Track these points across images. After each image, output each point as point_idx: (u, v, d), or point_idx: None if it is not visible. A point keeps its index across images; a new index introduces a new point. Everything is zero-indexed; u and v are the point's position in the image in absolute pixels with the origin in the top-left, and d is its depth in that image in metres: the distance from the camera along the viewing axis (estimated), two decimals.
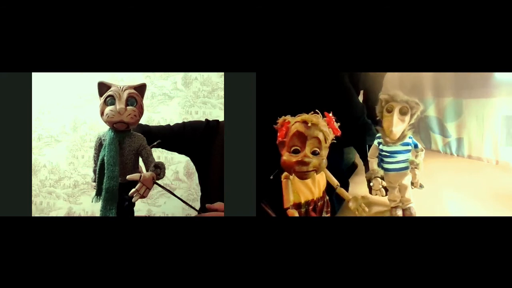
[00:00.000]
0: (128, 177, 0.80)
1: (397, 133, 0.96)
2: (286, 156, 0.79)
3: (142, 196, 0.80)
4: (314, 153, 0.78)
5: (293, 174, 0.80)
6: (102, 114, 0.83)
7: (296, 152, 0.78)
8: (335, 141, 0.81)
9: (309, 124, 0.77)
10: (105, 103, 0.82)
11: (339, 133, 0.82)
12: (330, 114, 0.81)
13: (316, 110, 0.80)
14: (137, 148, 0.85)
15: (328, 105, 0.82)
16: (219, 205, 0.89)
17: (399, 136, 0.97)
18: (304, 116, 0.79)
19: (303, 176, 0.80)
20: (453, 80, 1.58)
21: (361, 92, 1.36)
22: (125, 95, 0.82)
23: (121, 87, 0.83)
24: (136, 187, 0.79)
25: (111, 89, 0.83)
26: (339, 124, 0.82)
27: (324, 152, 0.79)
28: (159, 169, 0.83)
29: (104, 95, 0.83)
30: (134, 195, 0.79)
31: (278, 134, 0.80)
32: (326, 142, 0.79)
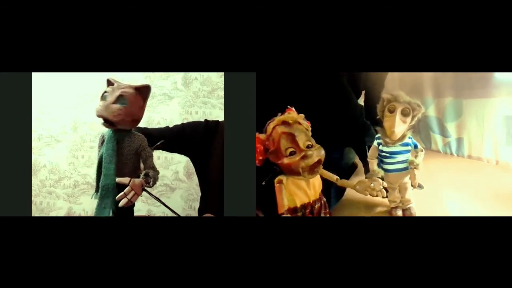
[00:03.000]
0: (117, 179, 0.81)
1: (398, 134, 0.96)
2: (287, 160, 0.78)
3: (130, 201, 0.80)
4: (308, 147, 0.78)
5: (304, 173, 0.80)
6: None
7: (293, 153, 0.78)
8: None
9: (291, 122, 0.79)
10: (101, 98, 0.84)
11: (309, 123, 0.84)
12: (293, 108, 0.83)
13: (287, 106, 0.82)
14: (136, 148, 0.86)
15: (327, 105, 0.83)
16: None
17: (399, 137, 0.97)
18: (280, 117, 0.80)
19: (312, 171, 0.79)
20: (453, 80, 1.58)
21: (363, 92, 1.36)
22: (118, 92, 0.82)
23: (120, 85, 0.84)
24: (125, 190, 0.80)
25: (113, 85, 0.84)
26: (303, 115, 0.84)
27: (313, 141, 0.81)
28: (148, 178, 0.83)
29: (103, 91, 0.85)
30: (121, 199, 0.79)
31: (258, 152, 0.81)
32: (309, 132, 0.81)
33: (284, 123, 0.80)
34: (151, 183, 0.84)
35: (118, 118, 0.81)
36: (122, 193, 0.80)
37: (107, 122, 0.82)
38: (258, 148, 0.80)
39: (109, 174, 0.81)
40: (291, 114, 0.81)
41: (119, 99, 0.82)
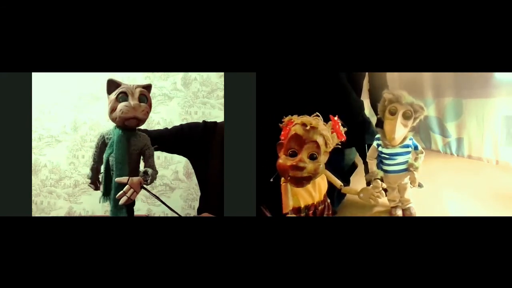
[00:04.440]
0: (116, 179, 0.81)
1: (399, 139, 0.94)
2: (282, 159, 0.76)
3: (129, 199, 0.80)
4: (311, 157, 0.75)
5: (289, 180, 0.77)
6: (113, 110, 0.82)
7: (293, 155, 0.75)
8: (339, 146, 0.79)
9: (308, 127, 0.75)
10: (117, 100, 0.82)
11: (343, 138, 0.79)
12: (336, 118, 0.79)
13: (317, 113, 0.78)
14: (141, 148, 0.86)
15: (327, 104, 0.82)
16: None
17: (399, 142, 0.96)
18: (304, 118, 0.76)
19: (298, 183, 0.76)
20: (453, 80, 1.58)
21: (366, 74, 1.33)
22: (137, 92, 0.83)
23: (132, 85, 0.84)
24: (124, 189, 0.80)
25: (123, 86, 0.83)
26: (345, 129, 0.79)
27: (323, 157, 0.76)
28: (147, 176, 0.84)
29: (115, 92, 0.82)
30: (121, 197, 0.80)
31: (282, 133, 0.79)
32: (326, 147, 0.76)
33: (303, 124, 0.75)
34: (148, 181, 0.84)
35: (146, 116, 0.83)
36: (121, 191, 0.80)
37: (131, 122, 0.82)
38: (288, 129, 0.77)
39: (123, 175, 0.81)
40: (316, 120, 0.76)
41: (141, 98, 0.83)
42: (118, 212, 0.82)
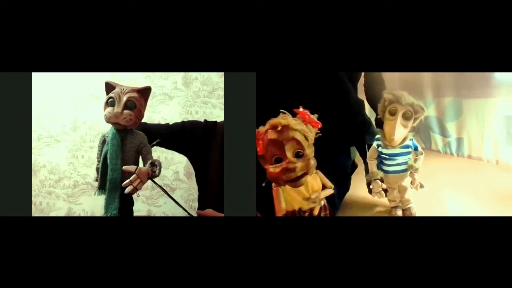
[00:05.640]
0: (124, 167, 0.82)
1: (398, 140, 0.94)
2: (271, 169, 0.74)
3: (135, 189, 0.81)
4: (297, 155, 0.73)
5: (286, 185, 0.75)
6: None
7: (278, 160, 0.73)
8: (320, 134, 0.77)
9: (279, 128, 0.72)
10: (107, 104, 0.86)
11: (319, 125, 0.76)
12: (301, 109, 0.76)
13: (283, 110, 0.75)
14: (137, 145, 0.87)
15: (327, 103, 0.82)
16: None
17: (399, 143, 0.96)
18: (272, 121, 0.74)
19: (295, 183, 0.74)
20: (453, 80, 1.58)
21: (362, 74, 1.32)
22: (124, 98, 0.84)
23: (124, 90, 0.85)
24: (131, 178, 0.80)
25: (113, 91, 0.86)
26: (316, 115, 0.77)
27: (309, 151, 0.74)
28: (155, 167, 0.84)
29: (107, 96, 0.86)
30: (127, 186, 0.80)
31: (258, 149, 0.76)
32: (307, 140, 0.74)
33: (274, 127, 0.73)
34: (156, 171, 0.85)
35: (129, 123, 0.85)
36: (128, 180, 0.80)
37: (117, 126, 0.85)
38: (261, 142, 0.75)
39: (116, 168, 0.84)
40: (285, 118, 0.74)
41: (127, 104, 0.84)
42: (111, 202, 0.83)
